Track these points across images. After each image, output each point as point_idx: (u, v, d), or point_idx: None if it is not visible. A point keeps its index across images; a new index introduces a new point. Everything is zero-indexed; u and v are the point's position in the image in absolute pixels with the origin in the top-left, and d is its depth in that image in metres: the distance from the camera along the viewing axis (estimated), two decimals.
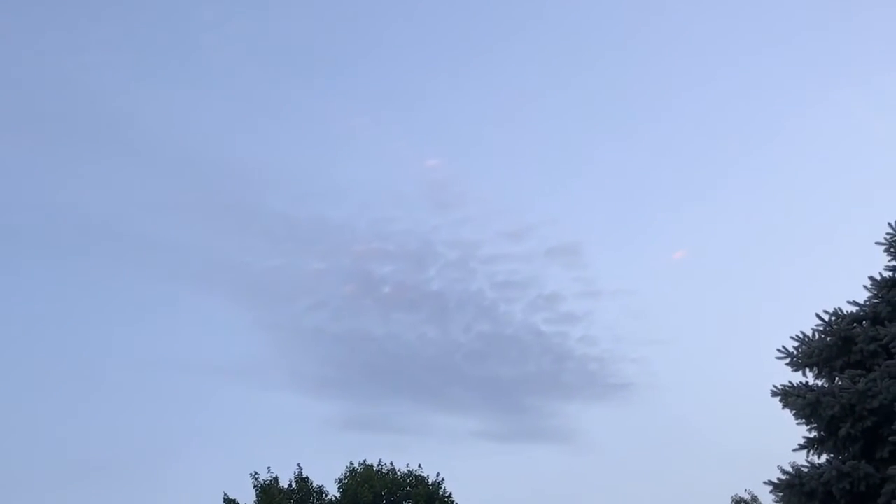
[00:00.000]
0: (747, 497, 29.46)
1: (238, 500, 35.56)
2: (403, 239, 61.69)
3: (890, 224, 17.76)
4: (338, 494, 35.55)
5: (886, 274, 18.02)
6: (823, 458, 17.79)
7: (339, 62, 69.57)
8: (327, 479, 36.12)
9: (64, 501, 46.75)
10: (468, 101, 69.43)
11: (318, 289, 61.78)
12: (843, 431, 17.06)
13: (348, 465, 36.15)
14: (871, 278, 18.22)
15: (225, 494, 35.66)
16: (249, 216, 64.01)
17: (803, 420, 17.80)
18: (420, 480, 36.03)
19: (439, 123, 68.49)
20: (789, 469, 17.54)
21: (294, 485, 35.51)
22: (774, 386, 18.22)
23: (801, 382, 18.21)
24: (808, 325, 18.44)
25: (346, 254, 62.61)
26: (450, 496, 36.12)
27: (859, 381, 16.97)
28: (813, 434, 17.96)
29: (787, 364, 18.56)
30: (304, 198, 64.57)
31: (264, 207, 64.52)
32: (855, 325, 18.11)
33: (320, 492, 35.68)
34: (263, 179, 68.42)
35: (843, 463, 16.80)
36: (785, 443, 18.65)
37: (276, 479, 35.43)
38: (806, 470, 17.38)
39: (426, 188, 67.01)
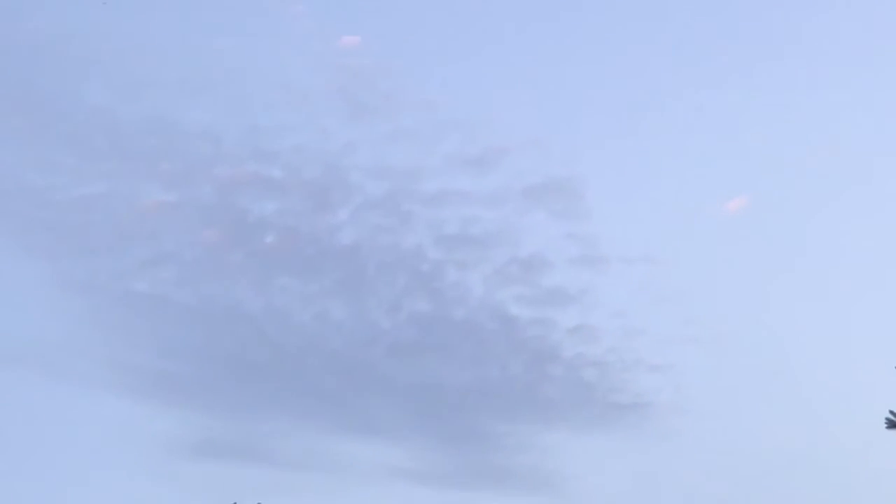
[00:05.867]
0: None
1: None
2: (299, 160, 43.44)
3: None
4: None
5: None
6: None
7: None
8: None
9: None
10: None
11: (160, 233, 43.00)
12: None
13: None
14: None
15: None
16: (54, 113, 44.35)
17: None
18: None
19: None
20: None
21: None
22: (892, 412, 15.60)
23: None
24: None
25: (205, 179, 41.54)
26: None
27: None
28: None
29: None
30: (141, 87, 44.66)
31: (78, 100, 44.42)
32: None
33: None
34: (78, 57, 45.34)
35: None
36: None
37: None
38: None
39: (338, 81, 46.65)
